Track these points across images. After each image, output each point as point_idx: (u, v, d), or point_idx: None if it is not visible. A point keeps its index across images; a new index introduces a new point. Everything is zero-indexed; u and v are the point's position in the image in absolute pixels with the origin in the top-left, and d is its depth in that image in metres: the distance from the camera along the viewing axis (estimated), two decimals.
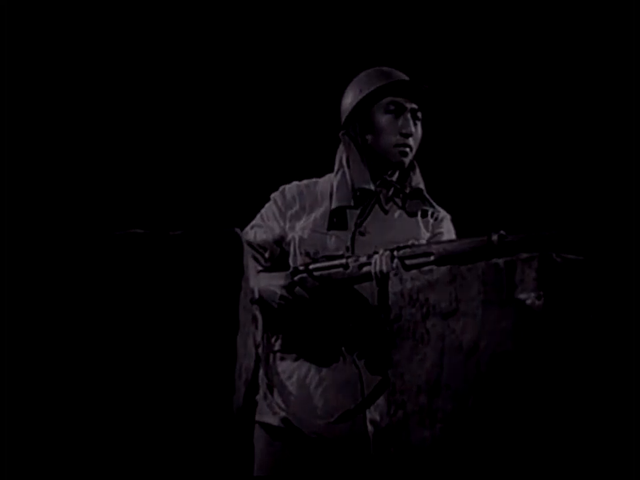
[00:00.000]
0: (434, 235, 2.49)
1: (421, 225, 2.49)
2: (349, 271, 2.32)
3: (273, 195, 2.58)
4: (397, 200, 2.50)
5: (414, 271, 1.80)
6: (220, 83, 4.04)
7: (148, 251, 1.71)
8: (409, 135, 2.45)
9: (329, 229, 2.47)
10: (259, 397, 2.45)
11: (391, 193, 2.49)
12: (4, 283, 1.71)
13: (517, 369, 1.60)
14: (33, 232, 1.77)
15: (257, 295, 1.82)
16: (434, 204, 2.54)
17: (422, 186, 2.52)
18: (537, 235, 2.14)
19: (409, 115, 2.46)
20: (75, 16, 3.87)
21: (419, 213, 2.50)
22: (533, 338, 1.59)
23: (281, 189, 2.58)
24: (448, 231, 2.52)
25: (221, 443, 1.64)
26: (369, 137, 2.49)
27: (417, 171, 2.55)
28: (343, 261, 2.34)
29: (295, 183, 2.58)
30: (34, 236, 1.76)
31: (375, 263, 2.27)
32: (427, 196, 2.53)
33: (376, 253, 2.29)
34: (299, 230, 2.48)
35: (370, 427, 2.33)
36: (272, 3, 3.99)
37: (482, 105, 3.96)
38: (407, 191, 2.50)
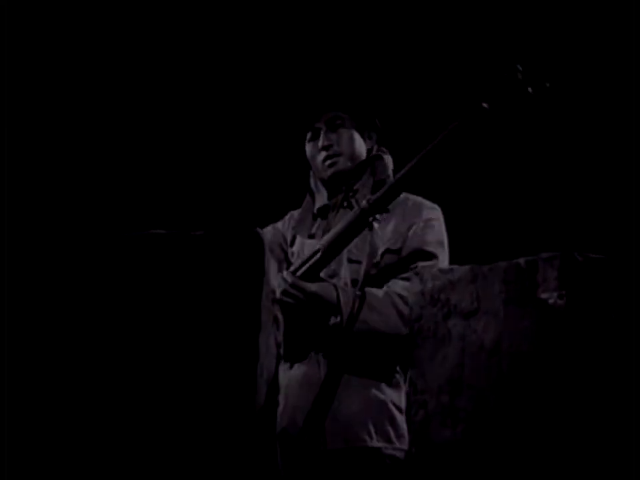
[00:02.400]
0: (409, 227, 2.50)
1: (391, 219, 2.51)
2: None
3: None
4: (368, 194, 2.54)
5: (435, 270, 1.80)
6: (241, 87, 4.05)
7: (169, 252, 1.72)
8: (326, 147, 2.55)
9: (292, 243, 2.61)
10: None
11: (355, 197, 2.53)
12: (24, 285, 1.72)
13: (539, 369, 1.60)
14: (54, 233, 1.78)
15: (278, 295, 1.83)
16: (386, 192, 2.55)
17: (384, 175, 2.56)
18: (396, 180, 2.20)
19: (322, 131, 2.56)
20: (75, 16, 3.89)
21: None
22: (555, 337, 1.59)
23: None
24: (412, 209, 2.53)
25: (242, 442, 1.64)
26: (313, 169, 2.65)
27: (382, 162, 2.60)
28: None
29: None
30: (55, 237, 1.77)
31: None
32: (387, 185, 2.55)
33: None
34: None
35: (329, 423, 2.33)
36: (282, 7, 4.00)
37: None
38: (366, 190, 2.54)
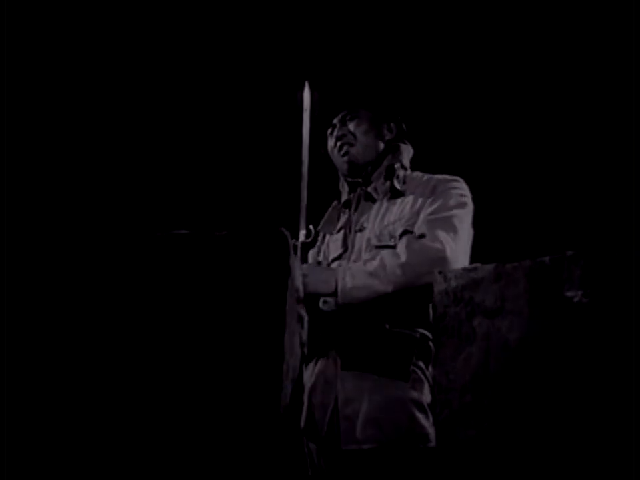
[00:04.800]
0: (425, 202, 2.51)
1: (408, 200, 2.53)
2: None
3: None
4: (386, 187, 2.57)
5: (458, 269, 1.80)
6: (261, 90, 4.06)
7: (194, 252, 1.73)
8: (339, 136, 2.61)
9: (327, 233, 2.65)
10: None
11: (373, 186, 2.57)
12: (48, 284, 1.74)
13: (565, 368, 1.59)
14: (77, 233, 1.80)
15: (302, 294, 1.83)
16: (398, 179, 2.58)
17: (396, 161, 2.60)
18: None
19: (338, 126, 2.61)
20: (75, 16, 3.91)
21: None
22: (580, 336, 1.58)
23: None
24: (429, 186, 2.54)
25: (267, 441, 1.65)
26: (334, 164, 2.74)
27: (398, 151, 2.64)
28: None
29: None
30: (77, 237, 1.78)
31: None
32: (397, 171, 2.58)
33: None
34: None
35: (344, 423, 2.33)
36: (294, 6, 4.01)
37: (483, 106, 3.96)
38: (383, 176, 2.58)
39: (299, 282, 1.78)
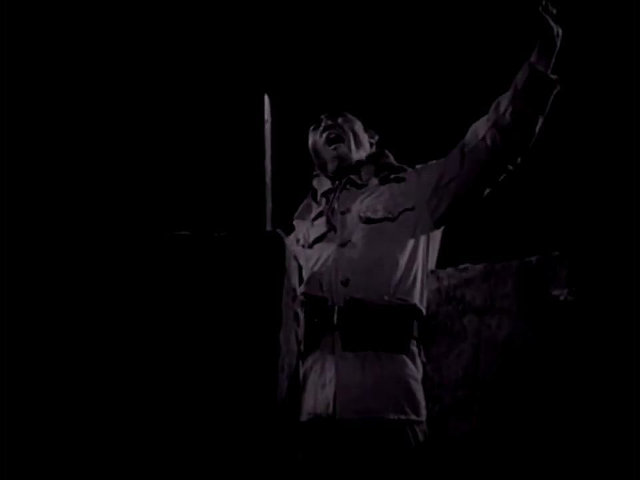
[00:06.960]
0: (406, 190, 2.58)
1: (394, 188, 2.59)
2: None
3: None
4: (371, 174, 2.62)
5: (450, 269, 1.84)
6: (260, 94, 4.08)
7: (193, 252, 1.76)
8: (328, 126, 2.62)
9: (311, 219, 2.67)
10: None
11: (357, 176, 2.61)
12: (52, 285, 1.76)
13: (552, 364, 1.63)
14: (80, 235, 1.82)
15: (298, 293, 1.86)
16: (394, 167, 2.64)
17: (388, 161, 2.66)
18: None
19: (325, 119, 2.65)
20: (75, 16, 3.91)
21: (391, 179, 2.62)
22: (567, 333, 1.63)
23: None
24: (409, 176, 2.61)
25: (264, 437, 1.68)
26: (314, 159, 2.72)
27: (385, 154, 2.69)
28: None
29: None
30: (80, 238, 1.81)
31: None
32: (392, 162, 2.64)
33: None
34: None
35: (341, 393, 2.35)
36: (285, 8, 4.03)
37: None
38: (374, 166, 2.63)
39: (294, 281, 1.82)
